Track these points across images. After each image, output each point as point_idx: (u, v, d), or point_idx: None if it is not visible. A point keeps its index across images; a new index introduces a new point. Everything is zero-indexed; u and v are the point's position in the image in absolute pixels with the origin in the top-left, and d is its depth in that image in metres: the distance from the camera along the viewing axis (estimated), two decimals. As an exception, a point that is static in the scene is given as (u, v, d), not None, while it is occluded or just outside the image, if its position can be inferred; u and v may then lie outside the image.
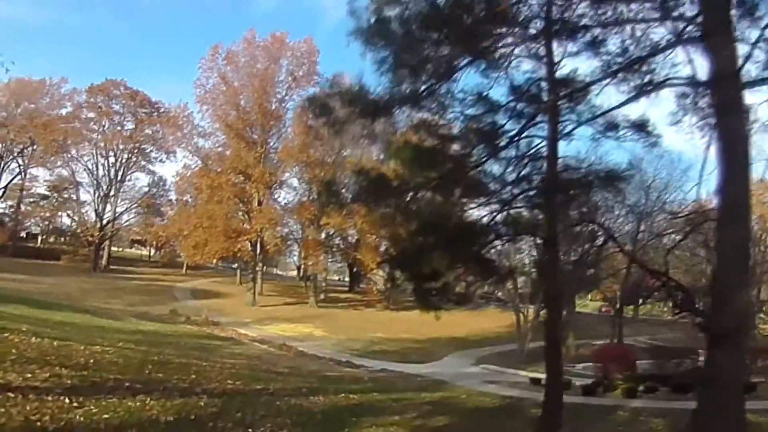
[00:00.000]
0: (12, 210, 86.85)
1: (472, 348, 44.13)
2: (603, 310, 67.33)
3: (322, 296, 69.09)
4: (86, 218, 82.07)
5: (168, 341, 26.38)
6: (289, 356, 31.89)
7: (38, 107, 78.13)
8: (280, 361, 26.99)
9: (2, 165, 79.87)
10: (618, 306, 48.82)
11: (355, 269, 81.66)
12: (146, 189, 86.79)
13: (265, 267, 76.03)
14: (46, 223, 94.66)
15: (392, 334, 46.96)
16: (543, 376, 16.14)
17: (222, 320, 45.72)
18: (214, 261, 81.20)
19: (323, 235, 66.34)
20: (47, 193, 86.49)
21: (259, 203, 61.48)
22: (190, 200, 69.14)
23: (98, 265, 78.22)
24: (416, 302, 14.98)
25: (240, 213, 64.85)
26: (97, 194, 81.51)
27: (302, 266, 77.75)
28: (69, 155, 79.53)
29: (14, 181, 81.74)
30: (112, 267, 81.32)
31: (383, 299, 68.28)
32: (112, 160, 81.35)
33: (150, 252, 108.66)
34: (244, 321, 47.04)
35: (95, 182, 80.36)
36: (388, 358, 35.42)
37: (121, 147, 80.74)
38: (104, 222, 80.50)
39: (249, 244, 60.93)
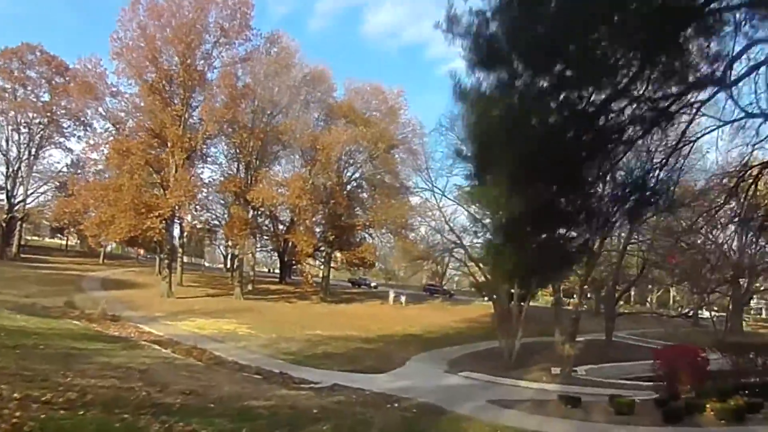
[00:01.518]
0: None
1: (436, 348, 36.93)
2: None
3: (249, 287, 62.62)
4: (-7, 199, 72.82)
5: (29, 342, 19.49)
6: (197, 366, 22.18)
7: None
8: (179, 378, 17.25)
9: None
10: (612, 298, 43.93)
11: (286, 259, 75.00)
12: (62, 168, 76.35)
13: (191, 258, 67.03)
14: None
15: (334, 330, 39.44)
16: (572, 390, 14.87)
17: (128, 314, 37.57)
18: (138, 251, 77.61)
19: (250, 213, 57.37)
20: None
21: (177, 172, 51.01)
22: (101, 173, 58.90)
23: (6, 253, 69.38)
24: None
25: (155, 186, 55.09)
26: (6, 172, 71.33)
27: (228, 255, 67.23)
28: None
29: None
30: (23, 255, 72.47)
31: (320, 290, 64.98)
32: (25, 133, 71.94)
33: (70, 242, 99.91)
34: (154, 315, 38.53)
35: (5, 159, 71.48)
36: (335, 365, 26.82)
37: (35, 120, 71.15)
38: (14, 204, 70.79)
39: (164, 223, 51.61)
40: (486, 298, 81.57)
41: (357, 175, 67.03)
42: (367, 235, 68.20)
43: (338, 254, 66.65)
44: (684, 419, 16.33)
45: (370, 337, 38.19)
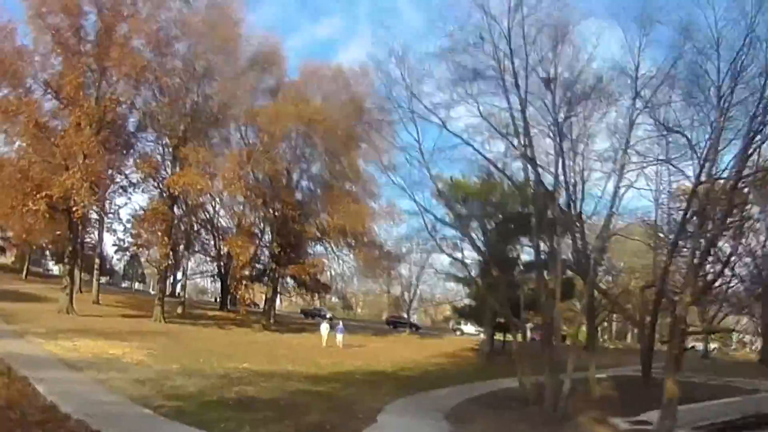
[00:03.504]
0: None
1: (418, 391, 25.27)
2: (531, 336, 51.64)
3: (179, 311, 55.06)
4: None
5: None
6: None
7: None
8: None
9: None
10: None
11: (228, 282, 62.08)
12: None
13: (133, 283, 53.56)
14: None
15: (270, 364, 27.93)
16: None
17: (7, 328, 28.89)
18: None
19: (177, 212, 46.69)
20: None
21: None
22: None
23: None
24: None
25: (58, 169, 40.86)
26: None
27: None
28: None
29: None
30: None
31: (263, 318, 55.33)
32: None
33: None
34: (27, 330, 28.46)
35: None
36: (253, 422, 14.33)
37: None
38: None
39: (64, 215, 40.43)
40: (460, 331, 71.72)
41: (310, 171, 55.58)
42: (322, 249, 57.41)
43: (285, 270, 53.46)
44: None
45: (321, 374, 26.50)
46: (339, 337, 43.69)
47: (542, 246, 24.58)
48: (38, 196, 37.02)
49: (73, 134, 38.64)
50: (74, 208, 38.07)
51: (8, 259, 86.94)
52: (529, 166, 23.05)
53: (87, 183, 37.68)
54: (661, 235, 29.85)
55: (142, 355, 24.77)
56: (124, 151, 45.75)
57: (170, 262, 50.87)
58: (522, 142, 23.04)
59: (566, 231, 24.40)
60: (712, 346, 63.84)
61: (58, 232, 43.25)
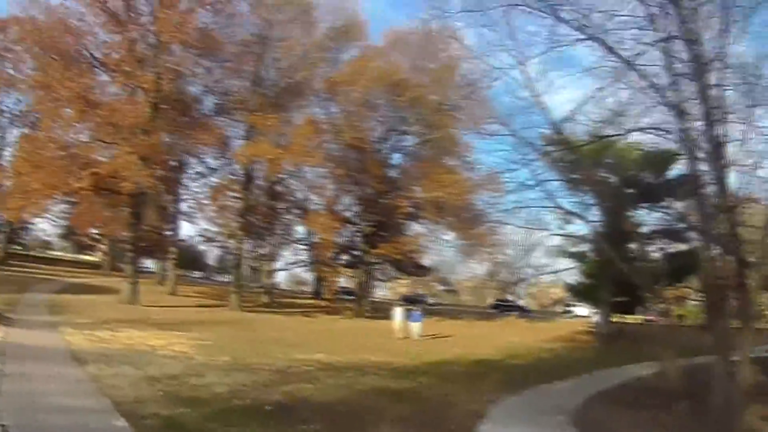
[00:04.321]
0: None
1: (531, 384, 19.35)
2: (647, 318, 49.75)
3: (264, 300, 51.46)
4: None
5: None
6: None
7: None
8: None
9: None
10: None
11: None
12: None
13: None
14: None
15: (349, 354, 23.00)
16: None
17: (45, 318, 25.70)
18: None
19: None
20: None
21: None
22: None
23: None
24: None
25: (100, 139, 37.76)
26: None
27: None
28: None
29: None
30: (11, 262, 60.44)
31: (355, 304, 50.89)
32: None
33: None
34: (72, 321, 24.85)
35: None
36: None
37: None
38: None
39: (125, 201, 37.04)
40: (571, 313, 65.62)
41: (400, 140, 50.67)
42: (418, 228, 52.62)
43: (378, 250, 47.77)
44: None
45: (408, 366, 21.26)
46: (415, 326, 34.18)
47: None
48: (84, 173, 33.92)
49: (125, 108, 35.12)
50: (122, 184, 34.52)
51: (98, 256, 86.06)
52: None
53: (136, 156, 34.18)
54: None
55: (189, 346, 20.52)
56: (191, 131, 41.61)
57: (254, 251, 48.59)
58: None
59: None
60: None
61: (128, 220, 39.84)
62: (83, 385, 12.44)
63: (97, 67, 37.25)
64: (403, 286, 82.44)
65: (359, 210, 49.42)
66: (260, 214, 45.57)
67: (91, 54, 36.70)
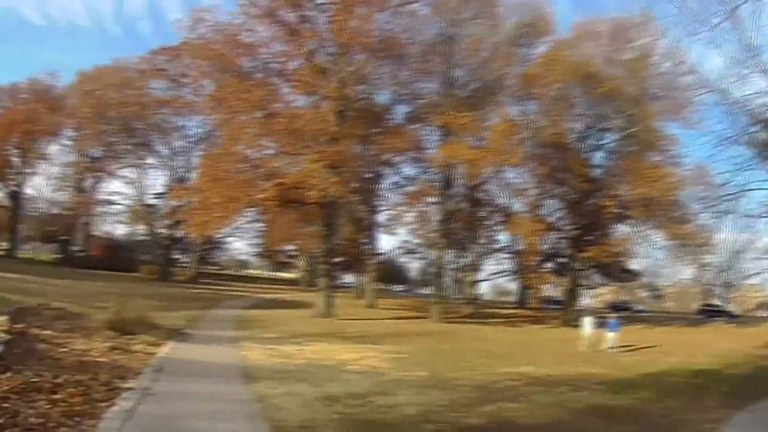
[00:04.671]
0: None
1: (759, 399, 17.06)
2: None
3: (466, 311, 48.67)
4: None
5: None
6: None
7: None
8: None
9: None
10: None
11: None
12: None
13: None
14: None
15: (560, 367, 21.15)
16: None
17: (230, 334, 25.24)
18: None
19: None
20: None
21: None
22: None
23: (169, 276, 63.16)
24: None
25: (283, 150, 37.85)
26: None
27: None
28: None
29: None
30: (202, 280, 65.73)
31: (561, 312, 47.39)
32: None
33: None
34: (257, 336, 24.70)
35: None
36: None
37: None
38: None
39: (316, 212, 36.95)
40: None
41: (602, 136, 47.19)
42: (624, 229, 48.94)
43: (585, 253, 44.25)
44: None
45: (624, 378, 18.88)
46: (610, 335, 29.47)
47: None
48: (267, 185, 34.18)
49: (307, 115, 35.16)
50: (308, 194, 34.05)
51: (295, 273, 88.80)
52: None
53: (322, 164, 33.78)
54: None
55: (382, 360, 19.27)
56: (382, 138, 40.45)
57: (456, 261, 47.58)
58: None
59: None
60: None
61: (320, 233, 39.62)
62: (243, 406, 11.12)
63: (275, 78, 37.57)
64: (609, 293, 78.44)
65: (563, 213, 46.78)
66: (461, 221, 44.02)
67: (267, 65, 37.05)
